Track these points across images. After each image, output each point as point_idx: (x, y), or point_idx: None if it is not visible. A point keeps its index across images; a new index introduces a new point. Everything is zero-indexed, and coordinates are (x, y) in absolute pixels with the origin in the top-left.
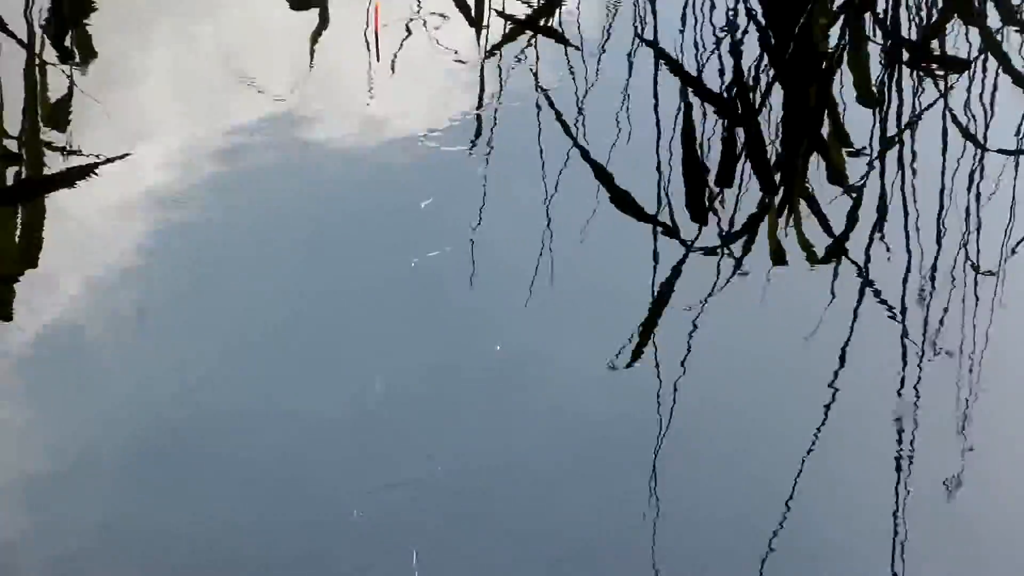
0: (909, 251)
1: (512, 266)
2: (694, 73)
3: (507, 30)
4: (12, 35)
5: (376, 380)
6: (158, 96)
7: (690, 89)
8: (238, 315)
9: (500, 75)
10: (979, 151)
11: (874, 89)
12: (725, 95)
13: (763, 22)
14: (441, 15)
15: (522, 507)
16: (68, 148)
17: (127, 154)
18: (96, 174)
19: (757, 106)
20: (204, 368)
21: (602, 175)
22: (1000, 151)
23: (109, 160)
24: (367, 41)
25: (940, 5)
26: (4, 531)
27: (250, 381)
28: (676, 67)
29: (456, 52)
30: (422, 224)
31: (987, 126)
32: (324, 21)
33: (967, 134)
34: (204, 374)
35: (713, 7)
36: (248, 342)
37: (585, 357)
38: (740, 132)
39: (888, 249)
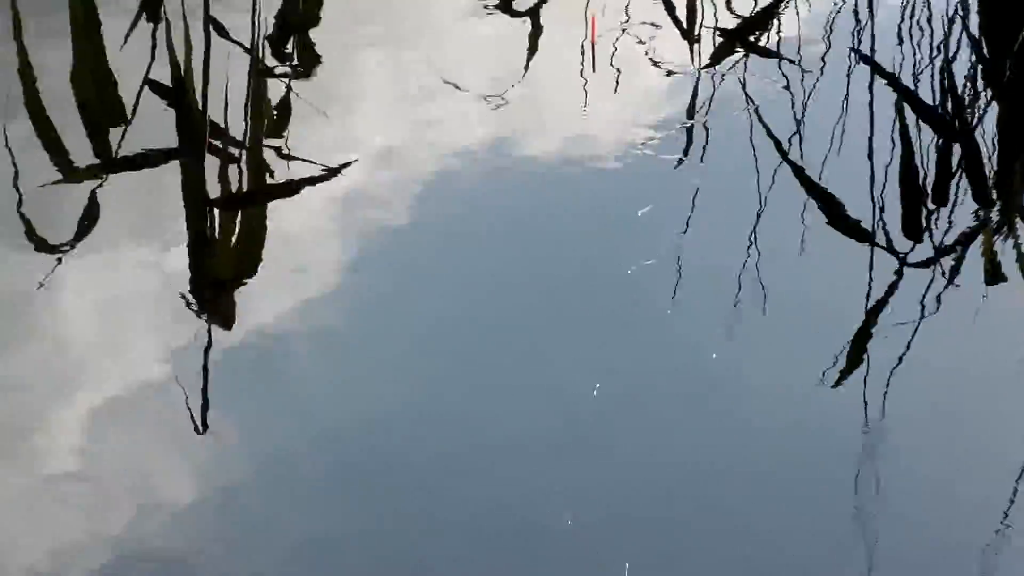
0: None
1: (720, 275)
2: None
3: (718, 45)
4: (237, 43)
5: (592, 386)
6: (380, 106)
7: (906, 104)
8: (456, 317)
9: (714, 86)
10: None
11: None
12: (941, 111)
13: (979, 37)
14: (653, 24)
15: (721, 523)
16: (290, 154)
17: (350, 162)
18: (318, 183)
19: (973, 123)
20: (420, 372)
21: (817, 192)
22: None
23: (333, 171)
24: (583, 51)
25: None
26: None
27: (465, 383)
28: (893, 81)
29: (672, 63)
30: (638, 232)
31: None
32: (537, 29)
33: None
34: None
35: (930, 21)
36: (463, 347)
37: (794, 372)
38: (956, 148)
39: None
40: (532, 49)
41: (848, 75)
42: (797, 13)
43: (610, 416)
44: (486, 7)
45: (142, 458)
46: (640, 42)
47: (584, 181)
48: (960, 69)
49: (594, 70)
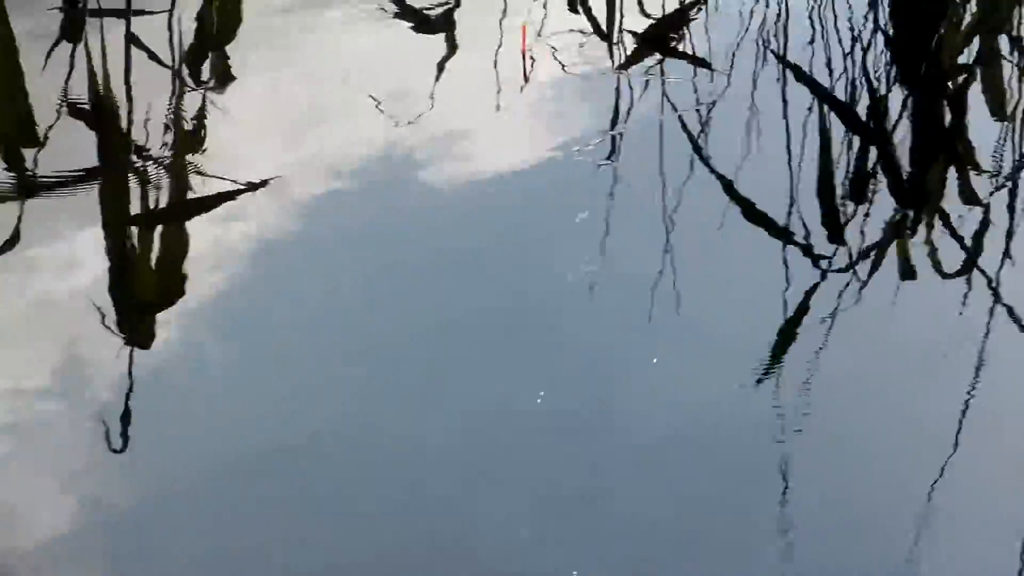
0: None
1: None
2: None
3: (633, 51)
4: (156, 58)
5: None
6: (291, 120)
7: (823, 104)
8: (398, 328)
9: (632, 91)
10: None
11: (1007, 107)
12: (857, 111)
13: (893, 38)
14: (581, 31)
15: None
16: (205, 172)
17: (269, 180)
18: (237, 198)
19: (892, 124)
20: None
21: (730, 189)
22: None
23: (255, 186)
24: (496, 62)
25: None
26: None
27: (403, 395)
28: (809, 81)
29: (592, 68)
30: (573, 238)
31: None
32: (452, 47)
33: None
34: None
35: (837, 21)
36: (400, 358)
37: (713, 374)
38: (873, 149)
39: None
40: (449, 55)
41: (754, 75)
42: (706, 13)
43: (536, 429)
44: (383, 10)
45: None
46: (553, 51)
47: (517, 188)
48: (872, 58)
49: (526, 80)
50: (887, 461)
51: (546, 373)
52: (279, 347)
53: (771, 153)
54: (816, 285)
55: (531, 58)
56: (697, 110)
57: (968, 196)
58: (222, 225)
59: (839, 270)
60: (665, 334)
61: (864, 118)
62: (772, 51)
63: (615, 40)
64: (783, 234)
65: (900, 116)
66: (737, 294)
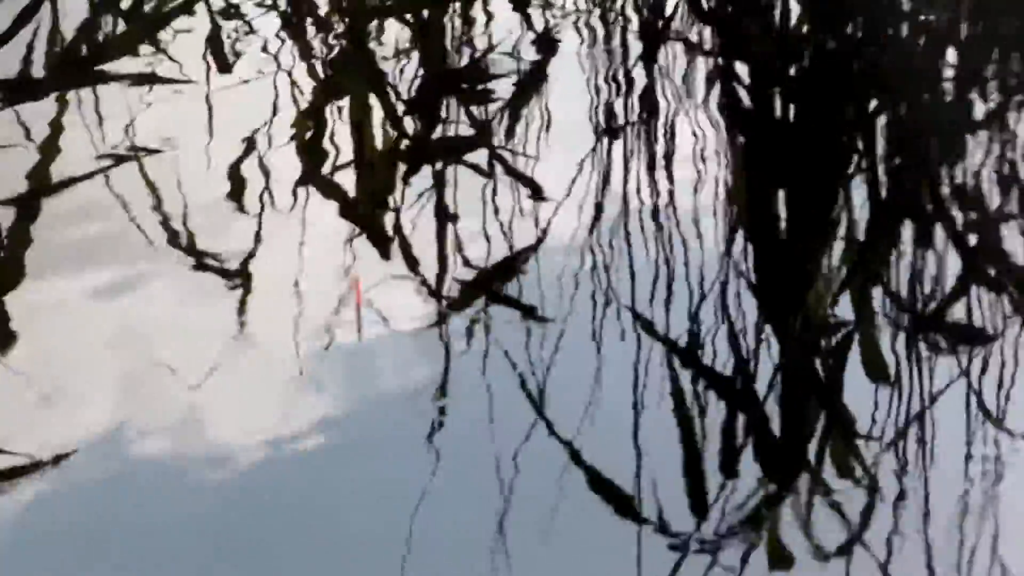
0: (929, 547)
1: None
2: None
3: (459, 294)
4: None
5: None
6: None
7: (680, 364)
8: None
9: (455, 343)
10: (1002, 434)
11: (888, 367)
12: (720, 373)
13: (759, 292)
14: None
15: None
16: None
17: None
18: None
19: (765, 389)
20: None
21: (576, 456)
22: None
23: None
24: (357, 316)
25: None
26: None
27: None
28: (664, 340)
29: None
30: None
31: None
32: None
33: (989, 416)
34: None
35: (688, 262)
36: None
37: None
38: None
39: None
40: (242, 304)
41: (597, 324)
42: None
43: None
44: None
45: None
46: (366, 306)
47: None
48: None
49: (359, 339)
50: None
51: None
52: None
53: (617, 408)
54: (677, 568)
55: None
56: (532, 367)
57: (847, 467)
58: None
59: (700, 551)
60: None
61: (728, 376)
62: (619, 301)
63: (443, 293)
64: (632, 511)
65: (773, 377)
66: None
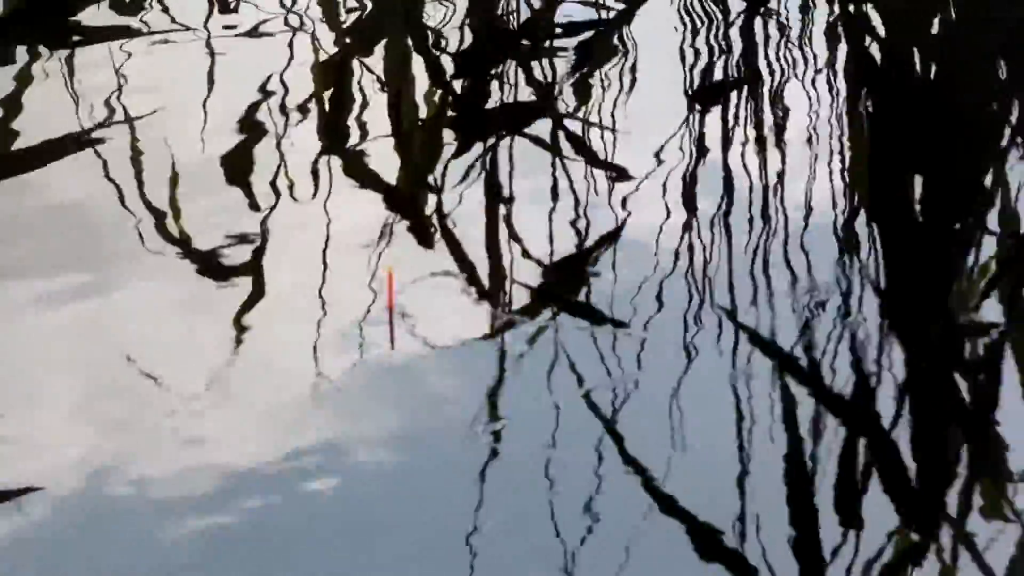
0: None
1: None
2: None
3: (525, 306)
4: None
5: None
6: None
7: (789, 377)
8: None
9: (520, 358)
10: None
11: None
12: (837, 392)
13: (885, 293)
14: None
15: None
16: None
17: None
18: None
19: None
20: None
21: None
22: None
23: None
24: (389, 317)
25: None
26: None
27: None
28: (777, 353)
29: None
30: None
31: None
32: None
33: None
34: None
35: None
36: None
37: None
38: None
39: None
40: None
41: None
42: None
43: None
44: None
45: None
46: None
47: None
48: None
49: (392, 346)
50: None
51: None
52: None
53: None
54: None
55: (401, 315)
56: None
57: (997, 508)
58: None
59: None
60: None
61: (848, 397)
62: (713, 303)
63: (502, 298)
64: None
65: (901, 398)
66: None
